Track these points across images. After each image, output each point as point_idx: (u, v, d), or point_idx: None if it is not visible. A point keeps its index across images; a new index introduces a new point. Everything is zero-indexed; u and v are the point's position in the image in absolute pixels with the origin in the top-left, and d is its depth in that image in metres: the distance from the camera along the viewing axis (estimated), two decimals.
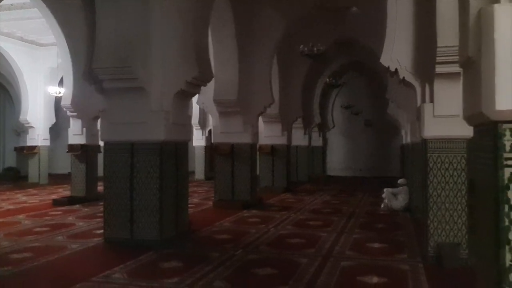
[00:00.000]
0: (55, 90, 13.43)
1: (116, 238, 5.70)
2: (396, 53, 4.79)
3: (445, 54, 4.17)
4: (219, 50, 8.71)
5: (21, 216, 7.94)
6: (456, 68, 4.05)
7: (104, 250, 5.55)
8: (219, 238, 6.22)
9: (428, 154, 4.79)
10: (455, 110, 4.41)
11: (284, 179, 12.62)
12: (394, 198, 8.89)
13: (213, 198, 9.59)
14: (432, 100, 4.72)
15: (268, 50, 9.56)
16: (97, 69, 5.58)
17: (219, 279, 4.20)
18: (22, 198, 10.90)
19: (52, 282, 4.14)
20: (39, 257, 5.00)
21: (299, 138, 15.16)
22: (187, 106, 6.41)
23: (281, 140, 12.47)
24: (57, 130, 15.75)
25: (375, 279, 4.22)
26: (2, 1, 7.53)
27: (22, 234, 6.34)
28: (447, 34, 4.04)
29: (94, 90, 7.83)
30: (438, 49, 4.20)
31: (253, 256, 5.15)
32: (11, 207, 9.30)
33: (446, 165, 4.70)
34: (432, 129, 4.73)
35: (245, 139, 9.25)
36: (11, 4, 9.99)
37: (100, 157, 10.78)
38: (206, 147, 16.85)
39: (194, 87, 6.13)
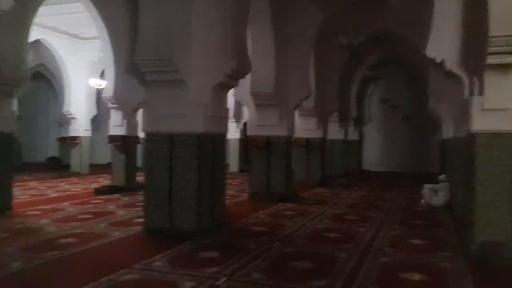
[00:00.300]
0: (97, 83, 13.83)
1: (155, 227, 5.81)
2: (443, 44, 4.61)
3: (498, 44, 3.97)
4: (257, 42, 8.70)
5: (65, 204, 8.25)
6: (509, 59, 3.88)
7: (144, 238, 5.68)
8: (255, 230, 6.24)
9: (476, 149, 4.60)
10: (507, 103, 4.21)
11: (319, 173, 12.51)
12: (434, 194, 8.65)
13: (247, 190, 9.63)
14: (481, 93, 4.53)
15: (306, 42, 9.47)
16: (139, 62, 5.69)
17: (256, 270, 4.22)
18: (65, 186, 11.33)
19: (96, 268, 4.27)
20: (83, 243, 5.19)
21: (335, 132, 14.98)
22: (224, 99, 6.44)
23: (316, 134, 12.35)
24: (97, 121, 16.22)
25: (416, 276, 4.13)
26: None
27: (67, 221, 6.59)
28: (501, 23, 3.85)
29: (135, 82, 8.04)
30: (490, 39, 4.00)
31: (289, 249, 5.13)
32: (55, 194, 9.68)
33: (495, 160, 4.50)
34: (481, 123, 4.53)
35: (281, 132, 9.23)
36: None
37: (140, 148, 11.12)
38: (240, 140, 16.94)
39: (233, 79, 6.14)
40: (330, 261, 4.61)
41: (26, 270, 4.16)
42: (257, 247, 5.16)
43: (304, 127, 12.24)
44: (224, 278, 3.92)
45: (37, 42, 13.27)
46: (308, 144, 12.27)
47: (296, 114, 11.25)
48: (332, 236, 5.90)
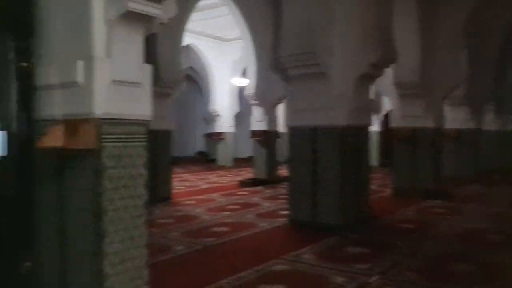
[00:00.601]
0: (239, 81, 14.64)
1: (299, 220, 5.91)
2: None
3: None
4: (400, 29, 8.18)
5: (215, 194, 8.92)
6: None
7: (289, 230, 5.82)
8: (402, 227, 5.94)
9: None
10: None
11: (471, 168, 11.35)
12: None
13: (390, 185, 9.20)
14: None
15: (455, 27, 8.61)
16: (282, 58, 5.84)
17: (410, 270, 3.99)
18: (213, 178, 12.27)
19: (249, 256, 4.50)
20: (234, 232, 5.54)
21: (490, 122, 13.39)
22: (368, 90, 6.22)
23: (469, 124, 11.21)
24: (240, 117, 17.15)
25: None
26: (197, 2, 8.50)
27: (218, 210, 7.12)
28: None
29: (274, 79, 8.33)
30: None
31: (443, 249, 4.76)
32: (206, 186, 10.55)
33: None
34: None
35: (428, 123, 8.57)
36: (204, 5, 11.14)
37: (279, 142, 11.47)
38: (380, 132, 16.26)
39: (377, 69, 5.91)
40: (495, 266, 4.14)
41: (188, 253, 4.60)
42: (407, 245, 4.89)
43: (454, 117, 11.18)
44: (377, 276, 3.79)
45: (187, 46, 14.57)
46: (458, 135, 11.20)
47: (445, 104, 10.34)
48: (493, 237, 5.30)
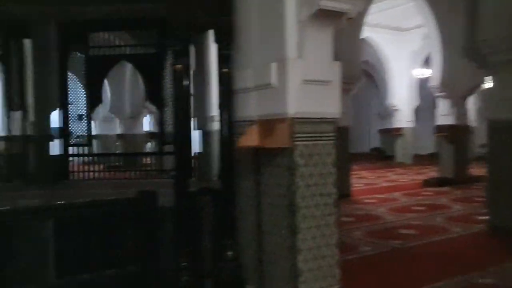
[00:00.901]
0: (420, 72, 13.67)
1: (503, 226, 5.13)
2: None
3: None
4: None
5: (396, 194, 8.47)
6: None
7: (490, 237, 5.12)
8: None
9: None
10: None
11: None
12: None
13: None
14: None
15: None
16: (481, 42, 5.15)
17: None
18: (392, 176, 11.71)
19: (443, 265, 4.08)
20: (423, 236, 5.12)
21: None
22: None
23: None
24: (420, 111, 16.02)
25: None
26: None
27: (401, 211, 6.72)
28: None
29: (465, 67, 7.46)
30: None
31: None
32: (385, 184, 10.13)
33: None
34: None
35: None
36: None
37: (469, 137, 10.26)
38: None
39: None
40: None
41: (375, 255, 4.42)
42: None
43: None
44: None
45: (362, 40, 14.19)
46: None
47: None
48: None
